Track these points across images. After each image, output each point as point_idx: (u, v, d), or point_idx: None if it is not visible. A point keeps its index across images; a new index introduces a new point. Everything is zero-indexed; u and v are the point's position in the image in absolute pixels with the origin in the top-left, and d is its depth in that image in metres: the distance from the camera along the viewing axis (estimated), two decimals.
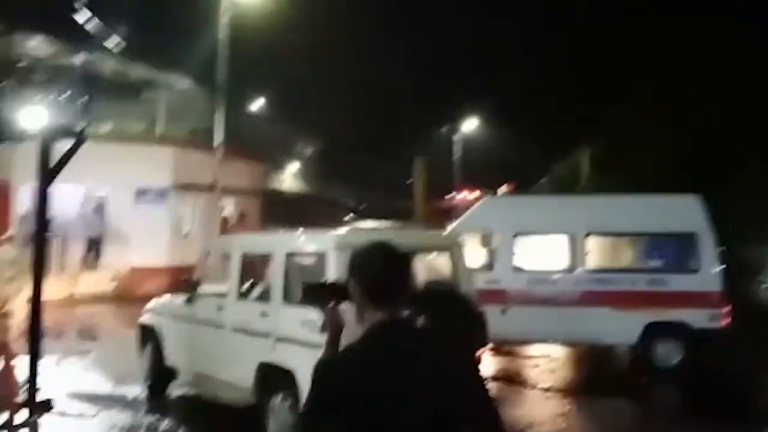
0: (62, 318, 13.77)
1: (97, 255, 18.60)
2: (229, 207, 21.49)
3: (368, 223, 26.88)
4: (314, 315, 5.64)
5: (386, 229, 8.15)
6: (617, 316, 9.28)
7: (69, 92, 14.63)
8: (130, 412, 7.36)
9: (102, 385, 8.65)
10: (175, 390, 7.82)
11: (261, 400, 6.07)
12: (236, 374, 6.48)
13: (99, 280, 18.15)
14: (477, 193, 24.87)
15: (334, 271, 5.63)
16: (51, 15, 18.60)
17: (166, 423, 6.96)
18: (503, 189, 10.24)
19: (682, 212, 9.67)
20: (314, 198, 36.69)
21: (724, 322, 9.15)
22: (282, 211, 27.62)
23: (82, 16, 19.78)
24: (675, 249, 9.79)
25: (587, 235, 9.74)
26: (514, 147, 35.39)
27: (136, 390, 8.18)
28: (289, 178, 40.34)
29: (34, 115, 9.12)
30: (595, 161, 24.29)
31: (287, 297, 6.02)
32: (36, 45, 14.80)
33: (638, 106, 22.82)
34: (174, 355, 7.55)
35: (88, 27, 20.58)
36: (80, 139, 8.25)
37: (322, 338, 5.80)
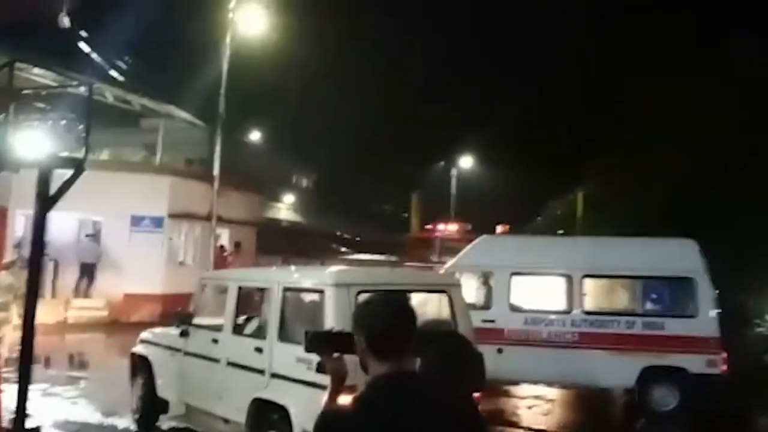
0: (53, 344, 13.66)
1: (90, 281, 18.52)
2: (224, 236, 21.47)
3: (363, 257, 26.92)
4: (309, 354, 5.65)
5: (384, 268, 8.14)
6: (614, 359, 9.20)
7: (69, 120, 14.72)
8: None
9: (92, 414, 8.55)
10: (166, 423, 7.72)
11: None
12: (229, 409, 6.42)
13: (92, 306, 18.03)
14: (456, 226, 24.79)
15: (331, 308, 5.64)
16: (54, 45, 18.87)
17: None
18: (499, 229, 10.39)
19: (680, 255, 9.64)
20: (310, 229, 36.70)
21: (722, 367, 9.08)
22: (277, 242, 27.63)
23: (86, 46, 20.02)
24: (672, 292, 9.79)
25: (584, 276, 9.69)
26: (510, 184, 35.63)
27: (126, 421, 8.08)
28: (285, 209, 40.42)
29: (34, 143, 9.19)
30: (590, 201, 24.49)
31: (282, 333, 6.01)
32: (39, 74, 14.93)
33: (632, 147, 23.13)
34: (166, 386, 7.48)
35: (92, 56, 20.84)
36: (79, 169, 8.31)
37: (317, 377, 5.80)
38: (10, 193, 15.91)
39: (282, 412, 5.64)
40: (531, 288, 10.10)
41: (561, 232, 28.71)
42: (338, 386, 2.19)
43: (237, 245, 20.75)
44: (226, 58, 20.47)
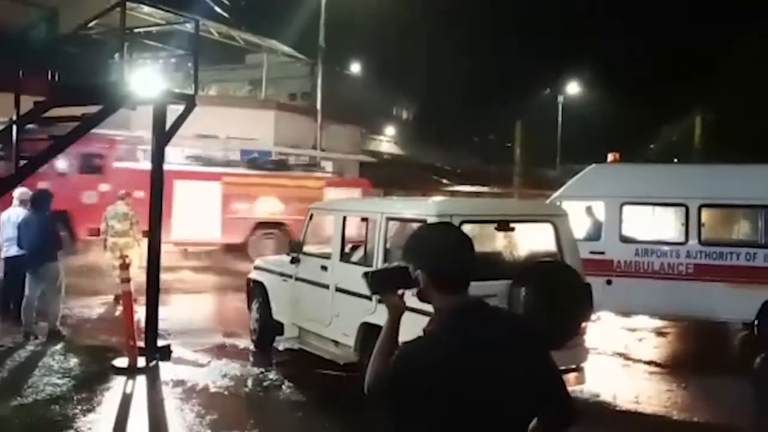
0: (177, 268, 14.66)
1: None
2: (328, 169, 21.95)
3: (465, 188, 26.74)
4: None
5: (486, 198, 8.03)
6: (732, 292, 8.82)
7: (178, 57, 15.18)
8: (239, 362, 7.78)
9: (214, 335, 9.19)
10: (281, 344, 8.18)
11: (362, 357, 6.25)
12: (338, 332, 6.71)
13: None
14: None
15: None
16: None
17: (272, 375, 7.31)
18: (610, 157, 9.97)
19: None
20: (410, 161, 36.72)
21: None
22: (379, 174, 27.90)
23: None
24: None
25: (701, 206, 9.27)
26: (621, 111, 33.86)
27: (246, 341, 8.63)
28: (386, 141, 40.55)
29: (147, 80, 9.62)
30: (709, 126, 22.86)
31: (387, 261, 6.12)
32: (148, 13, 15.47)
33: (754, 66, 21.21)
34: (280, 310, 7.89)
35: None
36: (191, 104, 8.65)
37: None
38: (130, 130, 16.85)
39: None
40: (643, 218, 9.81)
41: (676, 160, 27.17)
42: (398, 321, 2.13)
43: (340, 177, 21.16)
44: None
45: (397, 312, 2.11)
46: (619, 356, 8.78)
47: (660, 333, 10.58)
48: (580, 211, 9.64)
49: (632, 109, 33.17)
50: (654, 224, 9.82)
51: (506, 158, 29.65)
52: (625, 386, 7.46)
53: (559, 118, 36.37)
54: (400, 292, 2.09)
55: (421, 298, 2.01)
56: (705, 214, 9.33)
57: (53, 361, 7.47)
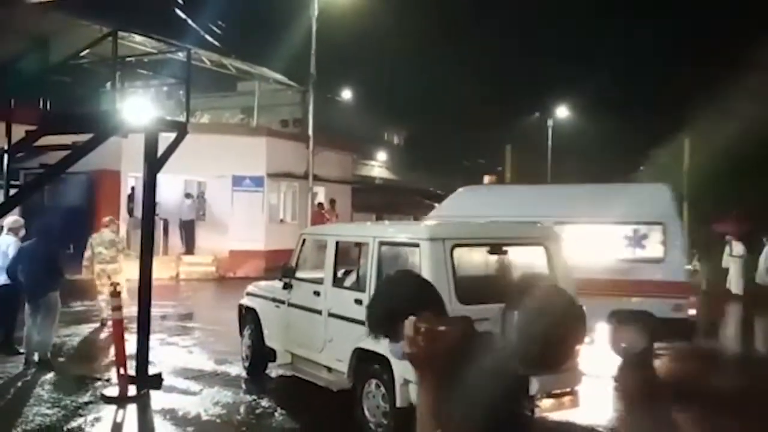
0: (167, 297, 14.59)
1: (192, 239, 19.54)
2: (320, 194, 21.99)
3: None
4: None
5: (480, 222, 8.04)
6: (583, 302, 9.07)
7: (170, 86, 15.30)
8: (231, 390, 7.71)
9: (206, 362, 9.11)
10: (274, 370, 8.12)
11: (355, 384, 6.21)
12: (332, 358, 6.67)
13: (201, 263, 19.11)
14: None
15: (426, 262, 5.68)
16: (152, 14, 19.61)
17: (265, 402, 7.24)
18: (486, 179, 10.47)
19: (651, 201, 9.62)
20: (402, 186, 36.83)
21: (690, 311, 8.97)
22: (371, 199, 27.96)
23: (182, 14, 20.65)
24: (642, 238, 9.58)
25: (555, 223, 9.05)
26: (610, 134, 34.17)
27: (237, 369, 8.56)
28: (378, 166, 40.69)
29: (139, 108, 9.68)
30: (697, 149, 23.07)
31: None
32: (140, 42, 15.59)
33: (745, 90, 21.50)
34: (272, 336, 7.84)
35: (188, 23, 21.51)
36: (183, 132, 8.69)
37: None
38: (121, 157, 16.88)
39: (383, 361, 5.79)
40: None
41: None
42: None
43: (332, 202, 21.20)
44: (314, 17, 20.59)
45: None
46: (610, 379, 8.76)
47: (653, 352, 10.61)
48: None
49: (622, 132, 33.49)
50: None
51: (497, 181, 29.72)
52: (615, 409, 7.43)
53: (549, 142, 36.68)
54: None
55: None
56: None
57: (43, 390, 7.38)
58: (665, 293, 9.04)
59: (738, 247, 18.07)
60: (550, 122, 36.76)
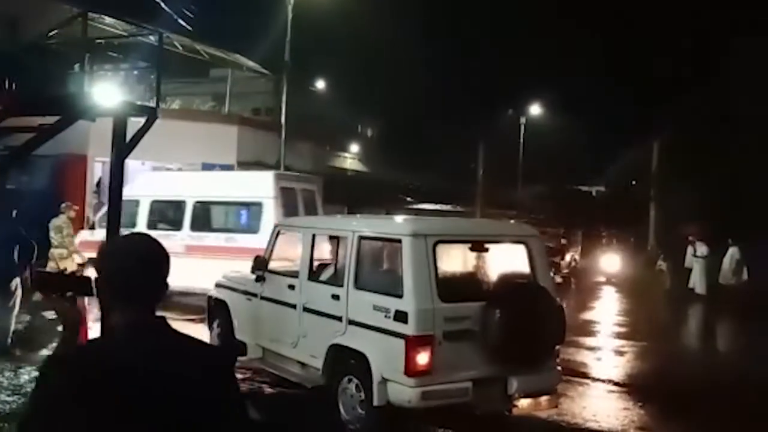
0: None
1: None
2: None
3: (428, 206, 26.81)
4: (386, 301, 5.63)
5: (460, 218, 8.01)
6: (210, 264, 10.60)
7: (141, 70, 15.02)
8: None
9: None
10: (243, 364, 7.94)
11: (330, 380, 6.09)
12: (306, 354, 6.53)
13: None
14: None
15: (408, 258, 5.59)
16: None
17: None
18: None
19: (256, 185, 12.30)
20: (374, 179, 36.71)
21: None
22: (343, 191, 27.77)
23: None
24: (247, 214, 12.59)
25: (195, 202, 12.65)
26: (583, 132, 34.51)
27: None
28: (350, 158, 40.50)
29: (108, 92, 9.39)
30: (666, 148, 23.45)
31: (359, 281, 6.01)
32: (110, 24, 15.16)
33: (714, 94, 21.88)
34: (243, 330, 7.67)
35: (161, 6, 21.02)
36: (152, 117, 8.45)
37: (395, 325, 5.75)
38: (89, 142, 16.44)
39: (359, 358, 5.68)
40: (162, 212, 13.14)
41: (634, 183, 27.80)
42: (72, 330, 1.98)
43: None
44: (290, 4, 20.32)
45: (65, 318, 1.99)
46: (578, 375, 8.79)
47: (618, 352, 10.74)
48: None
49: (594, 129, 33.87)
50: (165, 216, 13.05)
51: (469, 178, 29.86)
52: (584, 405, 7.46)
53: (521, 139, 36.91)
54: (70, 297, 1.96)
55: (103, 309, 1.90)
56: (195, 207, 12.60)
57: (2, 377, 7.11)
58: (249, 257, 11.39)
59: (702, 248, 18.38)
60: (522, 120, 36.99)
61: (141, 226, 12.31)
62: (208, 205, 12.94)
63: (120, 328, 1.79)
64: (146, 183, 13.60)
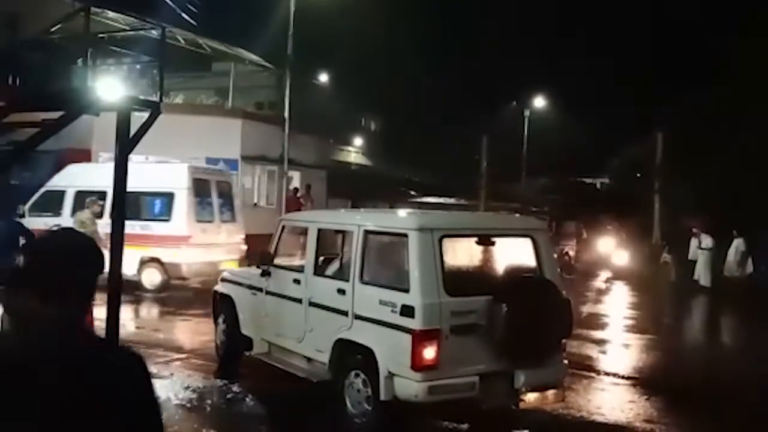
0: (137, 280, 14.27)
1: None
2: (296, 179, 21.71)
3: (432, 200, 26.75)
4: (392, 296, 5.61)
5: (466, 212, 7.99)
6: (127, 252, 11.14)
7: (143, 64, 15.04)
8: (202, 375, 7.54)
9: (177, 348, 8.90)
10: (249, 358, 7.94)
11: (337, 375, 6.08)
12: (312, 349, 6.52)
13: None
14: None
15: (414, 252, 5.56)
16: None
17: (237, 389, 7.08)
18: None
19: (169, 176, 13.36)
20: (378, 172, 36.66)
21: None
22: (346, 185, 27.74)
23: None
24: (161, 203, 13.46)
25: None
26: (588, 125, 34.40)
27: (209, 355, 8.36)
28: (354, 152, 40.42)
29: (111, 86, 9.36)
30: (670, 145, 23.33)
31: (365, 276, 5.99)
32: (113, 19, 15.11)
33: (719, 92, 21.75)
34: (249, 325, 7.65)
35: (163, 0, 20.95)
36: (156, 111, 8.42)
37: (401, 320, 5.73)
38: (93, 136, 16.43)
39: (366, 353, 5.67)
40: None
41: (639, 175, 27.62)
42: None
43: (308, 188, 20.95)
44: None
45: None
46: (584, 368, 8.78)
47: (624, 345, 10.73)
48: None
49: (598, 125, 33.74)
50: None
51: (473, 170, 29.74)
52: (590, 398, 7.45)
53: (525, 132, 36.79)
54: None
55: (14, 302, 1.79)
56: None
57: None
58: (168, 243, 12.99)
59: (707, 240, 18.32)
60: (526, 113, 36.86)
61: (66, 216, 12.80)
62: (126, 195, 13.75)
63: (31, 325, 1.71)
64: (71, 174, 14.21)
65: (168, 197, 13.36)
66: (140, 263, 12.98)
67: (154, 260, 13.13)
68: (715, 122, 21.54)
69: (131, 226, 12.31)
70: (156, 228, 13.16)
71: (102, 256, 1.85)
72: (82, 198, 13.08)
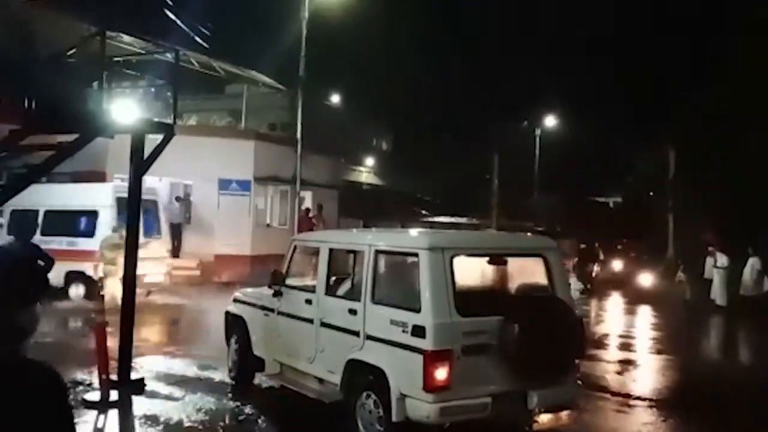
0: (151, 301, 14.34)
1: (179, 242, 19.24)
2: (308, 199, 21.77)
3: (444, 219, 26.77)
4: (403, 316, 5.58)
5: (478, 231, 7.96)
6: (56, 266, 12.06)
7: (157, 87, 15.15)
8: (215, 396, 7.52)
9: (189, 368, 8.90)
10: (261, 379, 7.93)
11: (348, 396, 6.04)
12: (323, 369, 6.50)
13: (186, 266, 18.79)
14: None
15: (425, 271, 5.54)
16: (141, 13, 19.36)
17: (249, 410, 7.06)
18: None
19: (93, 194, 14.71)
20: (389, 192, 36.71)
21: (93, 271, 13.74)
22: (358, 205, 27.79)
23: (170, 14, 20.42)
24: (86, 220, 14.50)
25: (46, 211, 14.27)
26: (599, 143, 34.32)
27: (222, 375, 8.36)
28: (366, 172, 40.54)
29: (126, 109, 9.48)
30: (683, 157, 23.20)
31: (376, 296, 5.97)
32: (128, 42, 15.34)
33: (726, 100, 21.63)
34: (261, 345, 7.65)
35: (177, 24, 21.26)
36: (169, 133, 8.51)
37: (413, 340, 5.68)
38: (107, 158, 16.59)
39: (377, 373, 5.64)
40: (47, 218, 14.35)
41: (651, 194, 27.50)
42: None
43: (320, 208, 21.02)
44: (305, 20, 20.46)
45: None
46: (598, 389, 8.66)
47: (639, 365, 10.62)
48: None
49: (609, 142, 33.61)
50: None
51: (485, 189, 29.74)
52: (604, 419, 7.34)
53: (537, 150, 36.77)
54: None
55: None
56: (46, 215, 14.25)
57: None
58: (93, 258, 13.62)
59: (722, 258, 18.11)
60: (537, 131, 36.90)
61: (2, 234, 13.24)
62: (56, 213, 14.65)
63: None
64: (35, 193, 14.90)
65: (92, 215, 14.47)
66: (65, 277, 13.80)
67: (80, 274, 14.01)
68: (728, 136, 21.41)
69: (59, 242, 13.62)
70: (81, 243, 14.20)
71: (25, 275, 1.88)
72: (18, 217, 13.40)
